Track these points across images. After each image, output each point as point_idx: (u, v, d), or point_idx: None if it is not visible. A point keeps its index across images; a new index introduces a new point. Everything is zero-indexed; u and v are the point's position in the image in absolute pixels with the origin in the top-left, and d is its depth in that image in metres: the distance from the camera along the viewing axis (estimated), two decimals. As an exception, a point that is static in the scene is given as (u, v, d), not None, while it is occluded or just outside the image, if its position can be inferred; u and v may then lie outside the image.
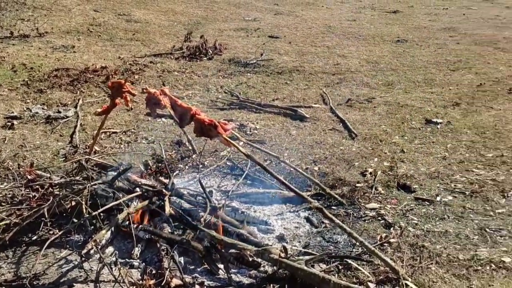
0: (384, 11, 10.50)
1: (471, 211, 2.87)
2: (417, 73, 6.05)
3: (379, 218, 2.80)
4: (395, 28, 8.68)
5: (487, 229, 2.66)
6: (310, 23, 8.84)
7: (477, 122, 4.36)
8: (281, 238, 2.56)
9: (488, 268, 2.31)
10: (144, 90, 2.53)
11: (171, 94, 2.47)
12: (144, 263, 2.28)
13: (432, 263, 2.34)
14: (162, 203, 2.53)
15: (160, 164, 3.30)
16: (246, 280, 2.21)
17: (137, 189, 2.68)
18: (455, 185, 3.20)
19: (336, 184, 3.19)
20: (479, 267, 2.31)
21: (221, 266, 2.26)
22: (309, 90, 5.31)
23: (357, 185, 3.18)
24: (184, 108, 2.37)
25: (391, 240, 2.53)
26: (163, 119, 4.37)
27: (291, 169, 3.18)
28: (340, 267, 2.30)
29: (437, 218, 2.80)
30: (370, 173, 3.36)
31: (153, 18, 8.75)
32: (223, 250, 2.29)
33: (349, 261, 2.32)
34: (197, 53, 6.59)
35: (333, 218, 2.28)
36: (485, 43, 7.62)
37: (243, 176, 3.13)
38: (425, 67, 6.31)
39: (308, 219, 2.77)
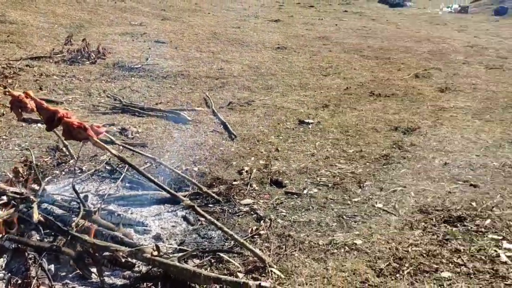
0: (267, 19, 11.07)
1: (332, 201, 3.20)
2: (293, 77, 6.51)
3: (252, 212, 3.00)
4: (276, 36, 9.20)
5: (344, 216, 3.00)
6: (197, 29, 8.99)
7: (342, 122, 4.85)
8: (157, 238, 2.63)
9: (342, 250, 2.62)
10: (7, 93, 2.42)
11: (36, 97, 2.40)
12: (9, 274, 2.18)
13: (295, 250, 2.59)
14: (31, 210, 2.43)
15: (32, 171, 3.15)
16: (119, 282, 2.24)
17: (3, 197, 2.54)
18: (320, 179, 3.55)
19: (214, 183, 3.35)
20: (335, 250, 2.61)
21: (94, 270, 2.26)
22: (193, 94, 5.43)
23: (234, 183, 3.37)
24: (51, 111, 2.32)
25: (261, 232, 2.74)
26: (39, 124, 4.16)
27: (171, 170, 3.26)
28: (213, 260, 2.44)
29: (303, 209, 3.08)
30: (246, 171, 3.57)
31: (31, 19, 8.17)
32: (96, 254, 2.29)
33: (221, 254, 2.47)
34: (79, 57, 6.36)
35: (205, 214, 2.42)
36: (352, 51, 8.45)
37: (120, 179, 3.13)
38: (301, 72, 6.82)
39: (185, 218, 2.88)
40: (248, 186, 3.34)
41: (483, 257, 2.48)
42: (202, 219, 2.79)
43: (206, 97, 5.27)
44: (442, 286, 2.27)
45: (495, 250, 2.54)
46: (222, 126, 4.48)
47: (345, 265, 2.47)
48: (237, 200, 3.13)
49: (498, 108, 5.30)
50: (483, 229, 2.76)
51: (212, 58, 7.02)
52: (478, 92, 5.98)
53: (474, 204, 3.08)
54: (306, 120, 4.79)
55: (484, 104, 5.44)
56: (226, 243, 2.62)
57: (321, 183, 3.48)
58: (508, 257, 2.48)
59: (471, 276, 2.34)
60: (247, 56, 7.35)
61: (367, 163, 3.86)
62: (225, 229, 2.42)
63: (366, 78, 6.68)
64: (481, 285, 2.27)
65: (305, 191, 3.33)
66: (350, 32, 10.56)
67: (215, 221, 2.44)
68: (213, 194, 3.09)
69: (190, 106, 4.96)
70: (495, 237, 2.68)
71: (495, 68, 7.34)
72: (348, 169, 3.73)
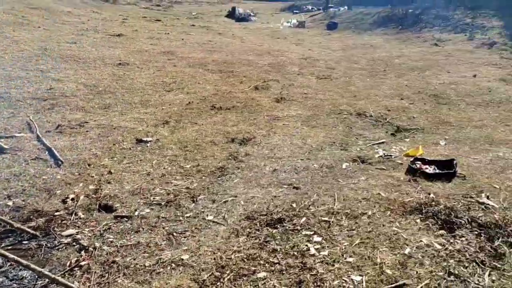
0: (108, 34, 10.64)
1: (164, 219, 3.18)
2: (135, 95, 6.36)
3: (75, 243, 2.82)
4: (117, 51, 8.90)
5: (174, 233, 3.00)
6: (23, 45, 8.19)
7: (182, 138, 4.87)
8: (-47, 289, 2.30)
9: (169, 268, 2.61)
10: None
11: None
12: None
13: (119, 276, 2.50)
14: None
15: None
16: None
17: None
18: (154, 198, 3.50)
19: (32, 217, 3.06)
20: (161, 269, 2.60)
21: None
22: (14, 118, 4.92)
23: (56, 213, 3.13)
24: None
25: (82, 263, 2.59)
26: None
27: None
28: (22, 303, 2.23)
29: (132, 232, 3.00)
30: (72, 199, 3.35)
31: None
32: None
33: (32, 294, 2.27)
34: None
35: (5, 253, 2.19)
36: (197, 65, 8.59)
37: None
38: (143, 88, 6.69)
39: (-9, 261, 2.58)
40: (73, 215, 3.13)
41: (295, 253, 2.71)
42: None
43: (30, 121, 4.82)
44: (257, 286, 2.41)
45: (306, 245, 2.79)
46: (47, 152, 4.14)
47: (169, 283, 2.47)
48: (58, 232, 2.91)
49: (323, 114, 5.88)
50: (298, 227, 3.01)
51: (41, 77, 6.46)
52: (308, 101, 6.55)
53: (294, 205, 3.34)
54: (145, 139, 4.71)
55: (312, 112, 5.99)
56: (40, 282, 2.41)
57: (154, 202, 3.44)
58: (316, 249, 2.75)
59: (283, 272, 2.53)
60: (83, 74, 6.95)
61: (203, 177, 3.93)
62: (33, 266, 2.23)
63: (209, 92, 6.83)
64: (290, 279, 2.47)
65: (136, 213, 3.25)
66: (196, 46, 10.73)
67: (20, 259, 2.23)
68: (28, 229, 2.82)
69: (8, 133, 4.47)
70: (308, 233, 2.94)
71: (324, 78, 8.16)
72: (184, 185, 3.76)
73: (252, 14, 18.72)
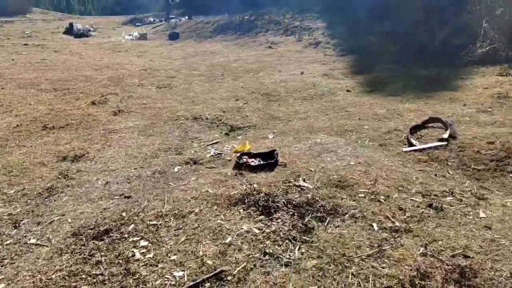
0: None
1: (-22, 253, 2.96)
2: None
3: None
4: None
5: (-10, 265, 2.82)
6: None
7: (6, 163, 4.51)
8: None
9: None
10: None
11: None
12: None
13: None
14: None
15: None
16: None
17: None
18: (-34, 232, 3.22)
19: None
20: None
21: None
22: None
23: None
24: None
25: None
26: None
27: None
28: None
29: None
30: None
31: None
32: None
33: None
34: None
35: None
36: (29, 85, 7.99)
37: None
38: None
39: None
40: None
41: (120, 261, 2.76)
42: None
43: None
44: (76, 302, 2.41)
45: (132, 251, 2.86)
46: None
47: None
48: None
49: (161, 122, 5.98)
50: (126, 235, 3.06)
51: None
52: (147, 111, 6.59)
53: (124, 214, 3.38)
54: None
55: (150, 121, 6.05)
56: None
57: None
58: (142, 253, 2.84)
59: (106, 282, 2.56)
60: None
61: (28, 200, 3.73)
62: None
63: (42, 112, 6.43)
64: (114, 287, 2.51)
65: None
66: (28, 66, 9.97)
67: None
68: None
69: None
70: (135, 239, 3.01)
71: (164, 87, 8.26)
72: (5, 212, 3.53)
73: (92, 29, 17.97)
